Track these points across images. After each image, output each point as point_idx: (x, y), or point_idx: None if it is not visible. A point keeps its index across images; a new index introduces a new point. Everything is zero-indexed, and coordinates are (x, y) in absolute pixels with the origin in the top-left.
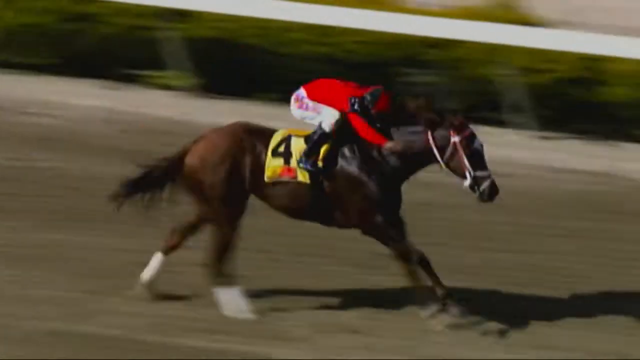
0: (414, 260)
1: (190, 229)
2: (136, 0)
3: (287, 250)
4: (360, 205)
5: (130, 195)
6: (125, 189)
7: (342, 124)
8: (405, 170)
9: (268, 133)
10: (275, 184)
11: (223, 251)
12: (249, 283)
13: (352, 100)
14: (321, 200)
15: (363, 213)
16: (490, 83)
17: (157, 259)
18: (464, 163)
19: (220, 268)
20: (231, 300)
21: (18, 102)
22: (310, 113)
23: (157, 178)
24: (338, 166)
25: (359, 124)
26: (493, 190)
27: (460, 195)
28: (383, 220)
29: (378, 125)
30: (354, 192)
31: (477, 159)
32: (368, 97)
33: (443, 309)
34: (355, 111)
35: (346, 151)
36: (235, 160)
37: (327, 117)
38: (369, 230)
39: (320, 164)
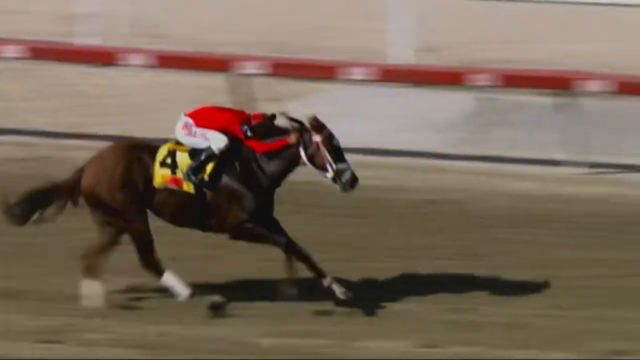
0: (283, 248)
1: (107, 247)
2: None
3: None
4: (236, 215)
5: (25, 216)
6: (19, 210)
7: (229, 146)
8: (279, 176)
9: (153, 147)
10: (162, 193)
11: (145, 248)
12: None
13: (244, 129)
14: (202, 209)
15: (237, 221)
16: None
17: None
18: (326, 158)
19: (153, 261)
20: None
21: None
22: (198, 139)
23: (52, 199)
24: (221, 180)
25: (256, 145)
26: (354, 179)
27: None
28: (252, 225)
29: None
30: (233, 203)
31: (338, 153)
32: (252, 123)
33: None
34: (249, 137)
35: (229, 167)
36: (127, 172)
37: (216, 142)
38: (237, 236)
39: (206, 178)
